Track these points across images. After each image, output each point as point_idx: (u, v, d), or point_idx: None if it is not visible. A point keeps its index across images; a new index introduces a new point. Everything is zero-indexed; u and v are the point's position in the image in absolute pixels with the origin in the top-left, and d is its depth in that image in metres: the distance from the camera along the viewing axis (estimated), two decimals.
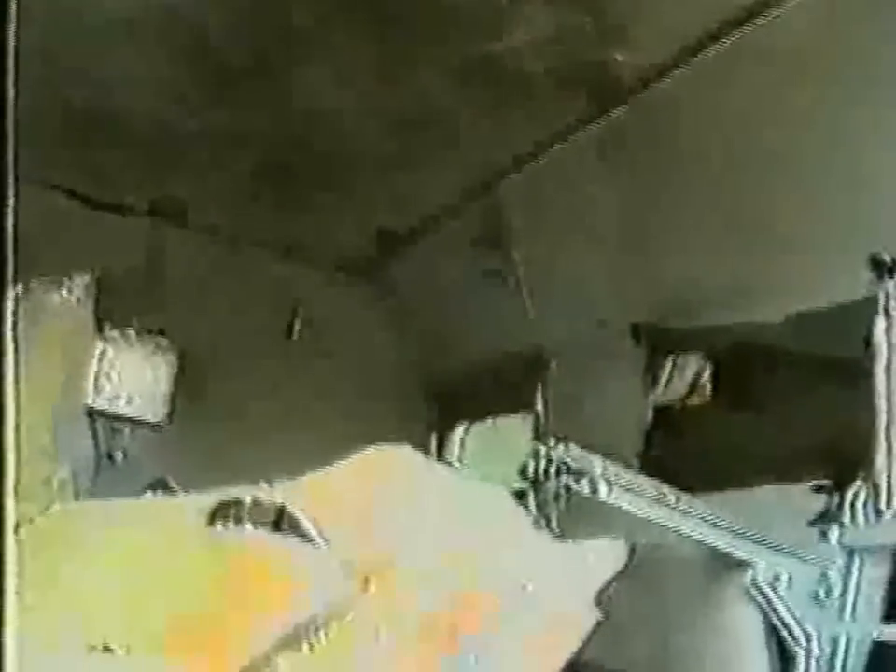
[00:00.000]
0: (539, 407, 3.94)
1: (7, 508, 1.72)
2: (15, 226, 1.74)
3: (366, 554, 2.51)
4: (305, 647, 2.41)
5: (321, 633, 2.42)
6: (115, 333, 4.66)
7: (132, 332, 4.70)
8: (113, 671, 2.09)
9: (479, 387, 4.33)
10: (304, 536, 2.46)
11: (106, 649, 2.11)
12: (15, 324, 1.76)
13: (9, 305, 1.76)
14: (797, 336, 3.53)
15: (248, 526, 2.49)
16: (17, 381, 1.73)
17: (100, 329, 4.58)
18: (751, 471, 3.43)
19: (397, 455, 2.70)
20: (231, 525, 2.47)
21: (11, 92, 1.72)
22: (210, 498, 2.49)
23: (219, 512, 2.48)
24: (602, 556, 2.76)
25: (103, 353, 4.59)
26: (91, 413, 4.46)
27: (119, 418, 4.56)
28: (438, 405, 4.40)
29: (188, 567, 2.37)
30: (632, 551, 2.73)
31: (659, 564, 3.23)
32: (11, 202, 1.73)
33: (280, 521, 2.49)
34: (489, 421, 3.89)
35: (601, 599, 2.73)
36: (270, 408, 4.78)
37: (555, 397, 3.98)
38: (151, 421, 4.60)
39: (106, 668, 2.07)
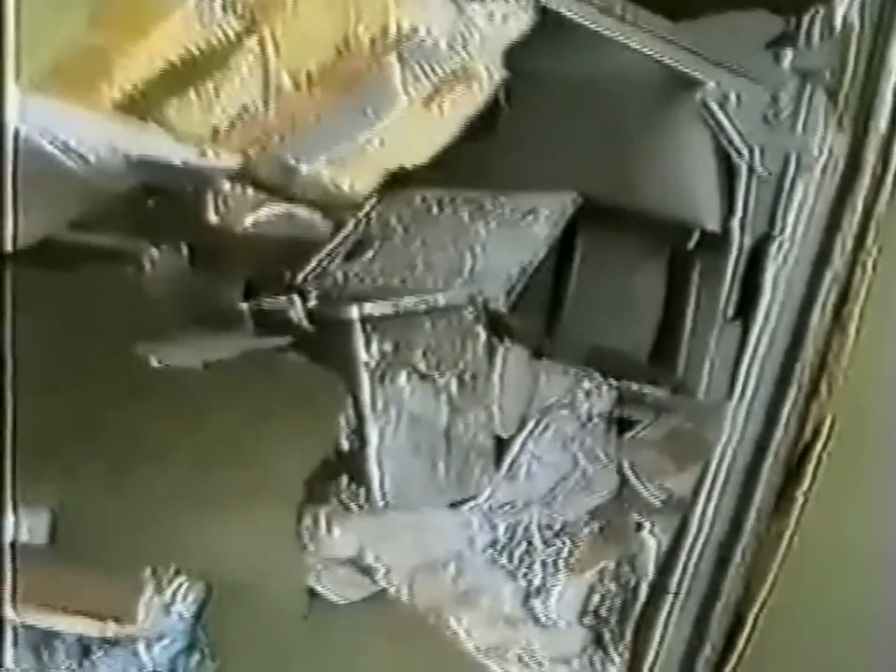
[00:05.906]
0: None
1: None
2: None
3: None
4: (192, 95, 2.39)
5: (207, 81, 2.40)
6: None
7: None
8: None
9: None
10: None
11: None
12: None
13: None
14: None
15: None
16: None
17: None
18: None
19: None
20: None
21: None
22: None
23: None
24: (510, 14, 2.65)
25: None
26: None
27: None
28: None
29: None
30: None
31: (605, 84, 3.23)
32: None
33: None
34: None
35: (509, 58, 2.65)
36: None
37: None
38: None
39: None
